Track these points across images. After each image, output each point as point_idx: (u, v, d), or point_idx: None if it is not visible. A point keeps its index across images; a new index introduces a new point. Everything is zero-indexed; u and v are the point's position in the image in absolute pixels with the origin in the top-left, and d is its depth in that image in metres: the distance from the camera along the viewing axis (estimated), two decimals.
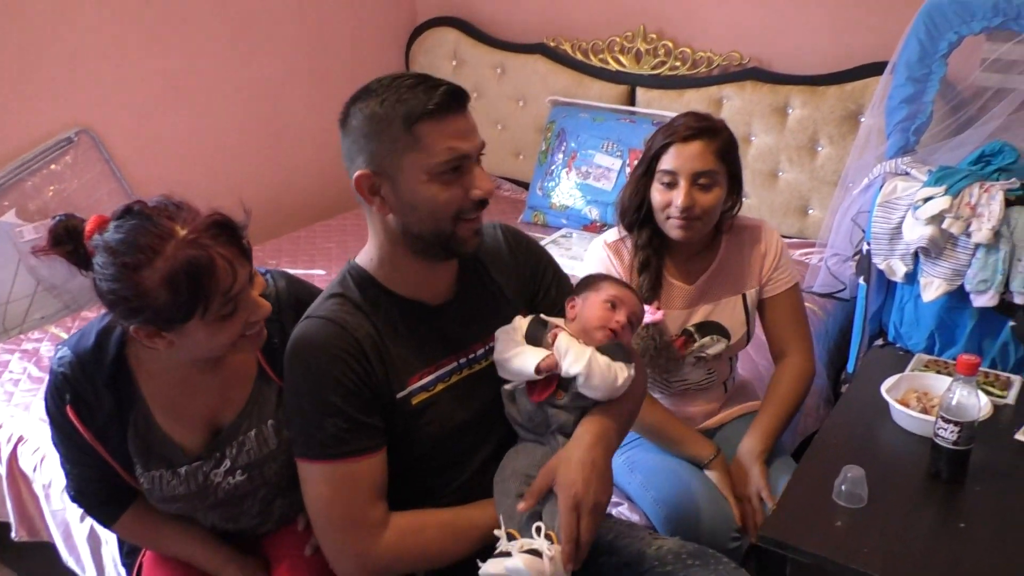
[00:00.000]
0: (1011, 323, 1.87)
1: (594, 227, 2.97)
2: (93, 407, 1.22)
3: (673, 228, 1.58)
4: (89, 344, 1.22)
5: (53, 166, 2.49)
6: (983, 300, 1.85)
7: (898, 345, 2.11)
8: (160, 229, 1.07)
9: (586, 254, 1.72)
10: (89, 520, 1.70)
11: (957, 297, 1.93)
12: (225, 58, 2.94)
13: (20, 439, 1.87)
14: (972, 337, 1.95)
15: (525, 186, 3.32)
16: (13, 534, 1.90)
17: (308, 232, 3.06)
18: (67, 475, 1.32)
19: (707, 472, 1.64)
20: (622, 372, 1.23)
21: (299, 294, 1.35)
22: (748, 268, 1.70)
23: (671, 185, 1.56)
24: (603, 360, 1.22)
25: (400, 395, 1.22)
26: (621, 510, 1.65)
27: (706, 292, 1.68)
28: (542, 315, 1.32)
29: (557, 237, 2.89)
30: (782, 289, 1.71)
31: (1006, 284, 1.83)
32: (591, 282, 1.37)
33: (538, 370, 1.21)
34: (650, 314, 1.58)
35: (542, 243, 2.78)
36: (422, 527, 1.23)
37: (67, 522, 1.78)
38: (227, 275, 1.09)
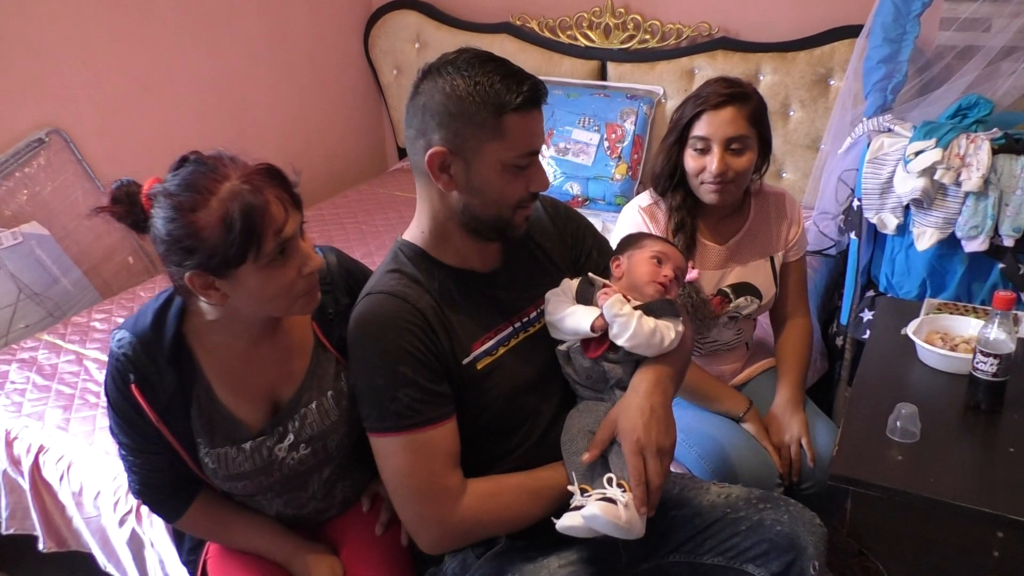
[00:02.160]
0: (1000, 265, 2.00)
1: (576, 202, 3.01)
2: (156, 386, 1.22)
3: (708, 192, 1.63)
4: (147, 323, 1.22)
5: (26, 169, 2.39)
6: (974, 245, 1.97)
7: (890, 295, 2.23)
8: (216, 173, 1.09)
9: (619, 219, 1.77)
10: (130, 524, 1.67)
11: (947, 244, 2.05)
12: (189, 52, 2.85)
13: (41, 448, 1.80)
14: (962, 282, 2.08)
15: None
16: (41, 545, 1.85)
17: None
18: (130, 469, 1.31)
19: (743, 425, 1.71)
20: (668, 332, 1.28)
21: (349, 267, 1.38)
22: (775, 233, 1.77)
23: (704, 151, 1.61)
24: (648, 325, 1.25)
25: (466, 361, 1.25)
26: None
27: (737, 253, 1.74)
28: (590, 275, 1.36)
29: None
30: (797, 257, 1.81)
31: (995, 229, 1.95)
32: (633, 240, 1.42)
33: (594, 328, 1.25)
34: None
35: None
36: (498, 491, 1.26)
37: (103, 528, 1.73)
38: (279, 214, 1.11)
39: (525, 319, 1.34)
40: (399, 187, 3.35)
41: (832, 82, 2.74)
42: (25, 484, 1.82)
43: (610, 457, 1.24)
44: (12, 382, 2.02)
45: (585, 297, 1.32)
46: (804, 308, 1.86)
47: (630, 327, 1.24)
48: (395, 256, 1.30)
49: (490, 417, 1.29)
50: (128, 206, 1.12)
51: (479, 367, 1.26)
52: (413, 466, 1.20)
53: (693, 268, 1.68)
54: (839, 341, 2.37)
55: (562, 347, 1.32)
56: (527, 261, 1.37)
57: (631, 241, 1.43)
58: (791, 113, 2.84)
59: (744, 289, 1.75)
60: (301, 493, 1.38)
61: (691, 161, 1.64)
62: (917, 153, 1.99)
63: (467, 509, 1.22)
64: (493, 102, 1.14)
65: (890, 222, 2.13)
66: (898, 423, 1.35)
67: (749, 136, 1.62)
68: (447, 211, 1.24)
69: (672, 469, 1.68)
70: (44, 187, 2.42)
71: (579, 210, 2.93)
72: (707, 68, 2.92)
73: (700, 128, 1.61)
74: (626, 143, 2.96)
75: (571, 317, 1.28)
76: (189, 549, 1.47)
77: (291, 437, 1.30)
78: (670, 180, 1.69)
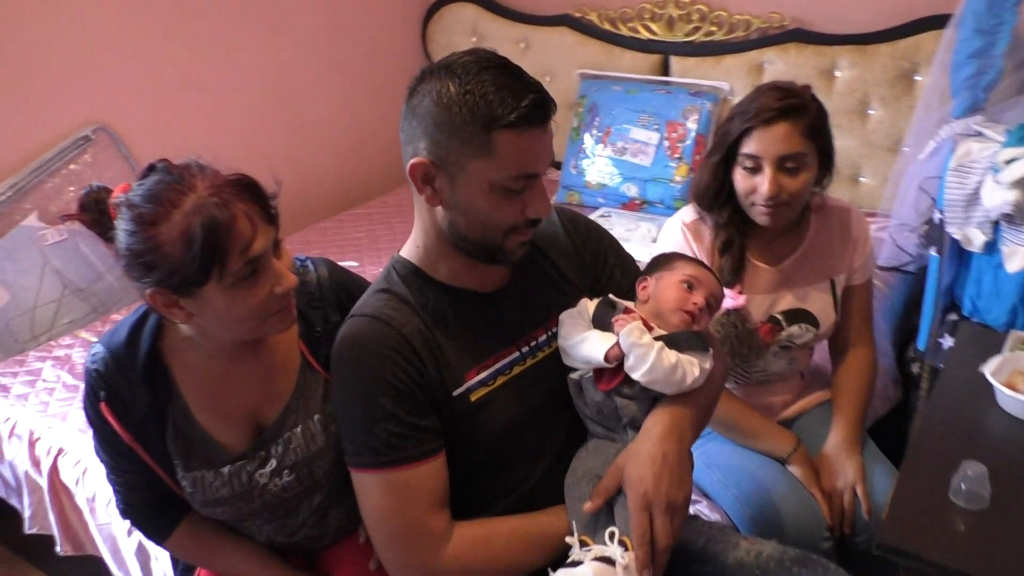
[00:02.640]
0: None
1: (633, 205, 2.85)
2: (129, 404, 1.15)
3: (759, 215, 1.46)
4: (122, 339, 1.15)
5: (72, 166, 2.39)
6: None
7: (975, 320, 1.98)
8: (181, 184, 1.01)
9: (661, 234, 1.61)
10: (137, 535, 1.64)
11: None
12: (241, 47, 2.81)
13: (60, 451, 1.79)
14: None
15: (557, 165, 3.18)
16: (58, 548, 1.84)
17: (336, 223, 2.95)
18: (114, 488, 1.26)
19: (789, 467, 1.53)
20: (692, 369, 1.13)
21: (342, 281, 1.27)
22: (837, 253, 1.58)
23: (755, 170, 1.44)
24: (669, 360, 1.11)
25: (457, 392, 1.13)
26: (700, 508, 1.55)
27: (792, 276, 1.56)
28: (611, 296, 1.22)
29: (596, 218, 2.76)
30: (862, 280, 1.62)
31: None
32: (664, 261, 1.27)
33: (607, 358, 1.11)
34: (732, 299, 1.47)
35: None
36: (490, 537, 1.14)
37: (114, 536, 1.71)
38: (246, 231, 1.02)
39: (533, 343, 1.21)
40: None
41: (918, 78, 2.49)
42: (44, 486, 1.81)
43: (616, 507, 1.11)
44: (44, 380, 2.03)
45: (603, 321, 1.18)
46: (867, 337, 1.65)
47: (648, 360, 1.09)
48: (387, 274, 1.19)
49: (485, 453, 1.17)
50: (96, 214, 1.06)
51: (473, 399, 1.14)
52: (392, 507, 1.09)
53: (740, 293, 1.51)
54: (915, 368, 2.14)
55: (574, 375, 1.19)
56: (537, 280, 1.24)
57: (662, 261, 1.27)
58: (870, 112, 2.59)
59: (798, 316, 1.56)
60: (291, 520, 1.30)
61: (741, 180, 1.47)
62: (1010, 161, 1.75)
63: (453, 557, 1.10)
64: (482, 115, 1.00)
65: (976, 239, 1.88)
66: (963, 485, 1.15)
67: (806, 153, 1.43)
68: (438, 228, 1.12)
69: (705, 512, 1.53)
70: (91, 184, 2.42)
71: (637, 214, 2.82)
72: (778, 62, 2.70)
73: (750, 145, 1.43)
74: (688, 143, 2.77)
75: (584, 343, 1.15)
76: (183, 569, 1.42)
77: (273, 462, 1.21)
78: (716, 199, 1.52)
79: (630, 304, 1.22)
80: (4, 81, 2.23)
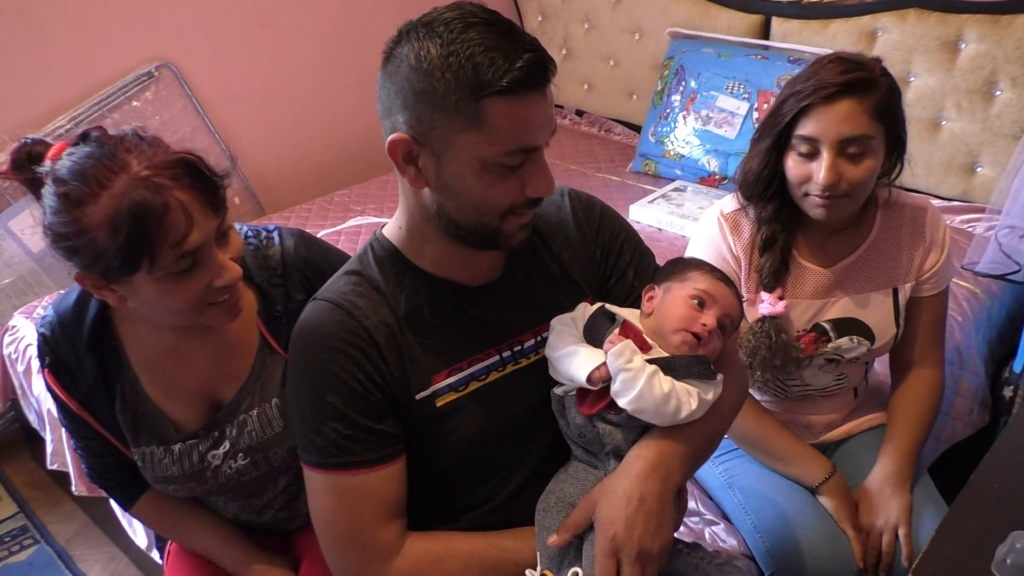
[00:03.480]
0: None
1: (712, 180, 2.62)
2: (75, 373, 1.10)
3: (813, 207, 1.26)
4: (70, 304, 1.10)
5: (134, 102, 2.42)
6: None
7: None
8: (113, 161, 0.91)
9: (697, 226, 1.42)
10: None
11: None
12: None
13: None
14: None
15: (638, 130, 2.98)
16: (73, 488, 1.87)
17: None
18: (78, 452, 1.23)
19: (820, 498, 1.34)
20: (688, 400, 0.97)
21: (311, 257, 1.17)
22: (905, 258, 1.36)
23: (811, 155, 1.23)
24: (661, 388, 0.95)
25: (420, 396, 1.01)
26: (716, 531, 1.40)
27: (847, 279, 1.35)
28: (607, 306, 1.06)
29: (668, 191, 2.56)
30: (935, 292, 1.38)
31: None
32: (678, 269, 1.09)
33: (591, 380, 0.97)
34: (769, 304, 1.29)
35: (650, 197, 2.51)
36: (444, 556, 1.02)
37: None
38: (180, 223, 0.92)
39: (517, 348, 1.06)
40: None
41: None
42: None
43: (585, 544, 0.98)
44: None
45: (595, 335, 1.02)
46: (935, 356, 1.42)
47: (636, 386, 0.94)
48: (363, 254, 1.06)
49: (450, 464, 1.04)
50: (31, 173, 0.97)
51: (438, 404, 1.02)
52: (337, 512, 1.00)
53: (781, 299, 1.31)
54: (1008, 392, 1.86)
55: (557, 391, 1.04)
56: (536, 275, 1.08)
57: (675, 269, 1.09)
58: (996, 93, 2.25)
59: (850, 327, 1.35)
60: (255, 500, 1.24)
61: (794, 167, 1.25)
62: None
63: (399, 572, 1.00)
64: (468, 81, 0.86)
65: None
66: (1008, 559, 0.95)
67: (872, 136, 1.21)
68: (424, 211, 0.98)
69: (722, 536, 1.38)
70: (151, 121, 2.44)
71: (714, 190, 2.59)
72: (893, 31, 2.39)
73: (806, 126, 1.22)
74: None
75: (568, 359, 1.00)
76: (158, 535, 1.40)
77: (227, 444, 1.15)
78: (766, 188, 1.31)
79: (631, 317, 1.05)
80: (70, 12, 2.25)
